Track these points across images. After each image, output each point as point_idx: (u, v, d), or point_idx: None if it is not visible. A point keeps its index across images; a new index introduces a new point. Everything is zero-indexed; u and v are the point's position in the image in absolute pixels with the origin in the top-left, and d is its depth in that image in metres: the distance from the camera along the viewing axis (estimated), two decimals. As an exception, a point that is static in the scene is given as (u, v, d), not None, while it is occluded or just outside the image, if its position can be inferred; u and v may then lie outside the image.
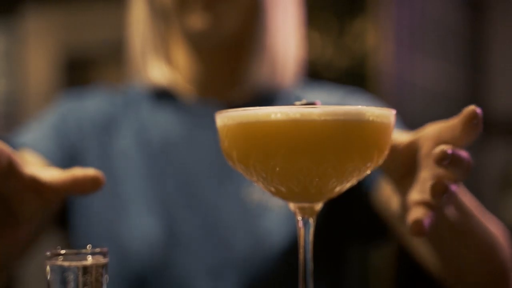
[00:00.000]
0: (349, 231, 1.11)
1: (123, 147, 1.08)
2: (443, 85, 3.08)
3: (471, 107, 0.63)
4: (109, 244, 0.99)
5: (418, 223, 0.63)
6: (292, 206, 0.64)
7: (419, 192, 0.66)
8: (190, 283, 0.99)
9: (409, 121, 0.83)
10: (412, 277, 2.44)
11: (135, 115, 1.11)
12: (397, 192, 0.74)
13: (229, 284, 1.00)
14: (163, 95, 1.11)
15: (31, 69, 3.87)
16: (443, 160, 0.61)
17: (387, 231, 1.04)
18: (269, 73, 1.09)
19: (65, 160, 1.05)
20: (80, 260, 0.61)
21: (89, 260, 0.61)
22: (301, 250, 0.64)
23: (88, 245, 0.64)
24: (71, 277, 0.60)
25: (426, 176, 0.66)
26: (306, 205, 0.64)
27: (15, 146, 1.00)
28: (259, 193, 1.03)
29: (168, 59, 1.11)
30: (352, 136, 0.59)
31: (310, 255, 0.64)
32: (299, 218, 0.64)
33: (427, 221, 0.63)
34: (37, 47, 3.84)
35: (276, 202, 1.03)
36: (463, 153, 0.64)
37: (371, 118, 0.60)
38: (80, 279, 0.60)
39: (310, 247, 0.64)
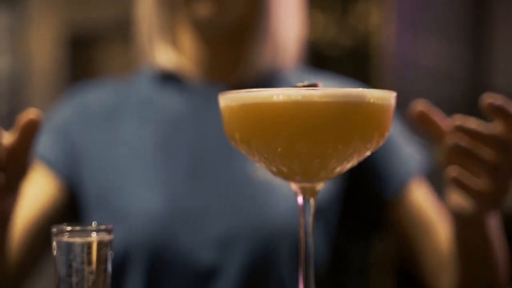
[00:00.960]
0: (351, 226, 1.15)
1: (130, 128, 1.10)
2: (446, 64, 3.07)
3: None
4: (114, 220, 1.01)
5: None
6: (293, 186, 0.66)
7: None
8: (197, 256, 1.01)
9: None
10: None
11: (141, 98, 1.14)
12: None
13: (236, 257, 1.01)
14: (169, 78, 1.14)
15: (35, 47, 3.87)
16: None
17: (383, 224, 1.11)
18: (271, 56, 1.12)
19: (68, 162, 1.11)
20: (85, 236, 0.62)
21: (94, 236, 0.62)
22: (301, 229, 0.65)
23: (93, 222, 0.65)
24: (76, 252, 0.61)
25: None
26: (307, 185, 0.65)
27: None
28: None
29: (175, 44, 1.15)
30: (352, 117, 0.60)
31: (310, 234, 0.65)
32: (300, 198, 0.66)
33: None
34: (41, 24, 3.84)
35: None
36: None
37: (371, 100, 0.61)
38: (85, 255, 0.62)
39: (310, 226, 0.65)
